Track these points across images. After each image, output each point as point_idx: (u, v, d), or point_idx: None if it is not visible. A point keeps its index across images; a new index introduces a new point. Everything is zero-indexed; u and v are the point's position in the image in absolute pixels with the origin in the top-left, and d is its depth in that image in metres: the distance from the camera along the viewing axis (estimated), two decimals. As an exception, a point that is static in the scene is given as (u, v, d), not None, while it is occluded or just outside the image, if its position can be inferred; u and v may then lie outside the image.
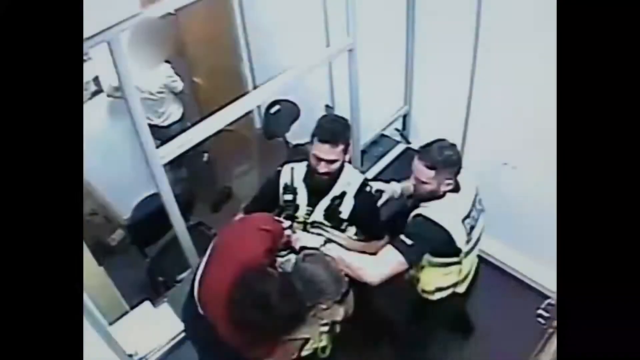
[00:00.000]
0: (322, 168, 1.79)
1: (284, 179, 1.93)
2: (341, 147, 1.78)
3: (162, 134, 2.76)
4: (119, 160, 3.16)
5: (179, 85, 3.30)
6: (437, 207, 1.76)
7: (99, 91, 3.08)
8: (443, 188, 1.75)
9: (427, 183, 1.74)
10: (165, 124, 3.36)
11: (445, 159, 1.71)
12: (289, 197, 1.91)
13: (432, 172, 1.71)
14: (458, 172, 1.78)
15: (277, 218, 1.84)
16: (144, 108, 3.19)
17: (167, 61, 3.19)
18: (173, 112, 3.40)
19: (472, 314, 2.86)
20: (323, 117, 1.89)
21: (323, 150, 1.75)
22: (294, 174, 1.92)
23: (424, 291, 1.94)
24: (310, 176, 1.86)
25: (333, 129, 1.78)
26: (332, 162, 1.78)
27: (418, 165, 1.74)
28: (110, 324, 2.04)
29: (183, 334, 2.17)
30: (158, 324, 2.19)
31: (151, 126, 3.25)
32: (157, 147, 1.72)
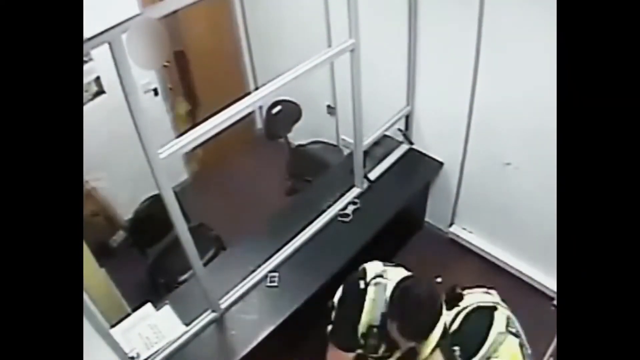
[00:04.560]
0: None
1: (369, 315, 1.71)
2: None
3: None
4: (120, 161, 3.15)
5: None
6: None
7: (100, 92, 3.07)
8: None
9: None
10: None
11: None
12: (373, 341, 1.75)
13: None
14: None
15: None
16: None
17: None
18: None
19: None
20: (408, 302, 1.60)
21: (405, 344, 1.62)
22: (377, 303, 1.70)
23: None
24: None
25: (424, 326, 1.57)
26: None
27: None
28: (112, 326, 2.03)
29: (185, 336, 2.17)
30: (159, 326, 2.18)
31: None
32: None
